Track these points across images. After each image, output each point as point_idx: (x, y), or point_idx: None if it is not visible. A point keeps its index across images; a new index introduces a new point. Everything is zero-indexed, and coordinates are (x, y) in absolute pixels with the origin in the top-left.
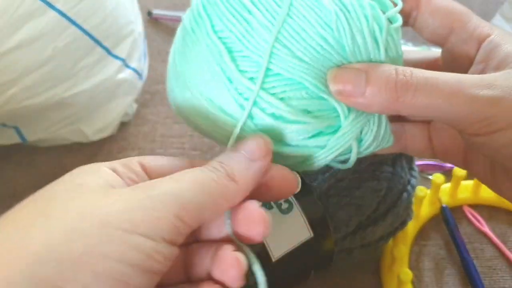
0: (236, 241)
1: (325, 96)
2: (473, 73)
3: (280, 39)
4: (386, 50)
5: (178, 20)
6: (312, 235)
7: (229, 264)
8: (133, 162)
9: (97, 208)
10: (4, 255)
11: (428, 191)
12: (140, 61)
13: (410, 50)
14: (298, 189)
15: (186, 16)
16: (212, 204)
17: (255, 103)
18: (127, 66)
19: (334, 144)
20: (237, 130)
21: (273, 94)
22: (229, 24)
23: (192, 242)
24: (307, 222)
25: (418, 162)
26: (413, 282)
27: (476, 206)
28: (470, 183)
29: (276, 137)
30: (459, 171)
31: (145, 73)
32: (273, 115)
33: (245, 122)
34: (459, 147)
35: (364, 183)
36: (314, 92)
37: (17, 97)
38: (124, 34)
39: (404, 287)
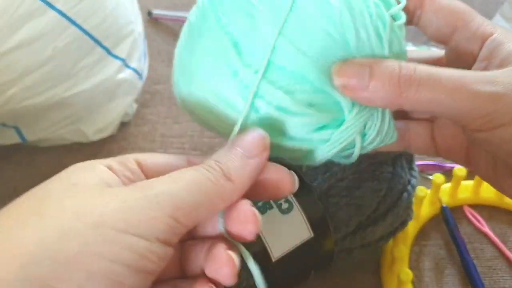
0: (229, 239)
1: (329, 90)
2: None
3: (284, 33)
4: (390, 46)
5: (178, 20)
6: (312, 235)
7: (222, 262)
8: (129, 159)
9: (91, 208)
10: None
11: (428, 191)
12: (140, 61)
13: (412, 50)
14: (296, 188)
15: (192, 12)
16: (208, 204)
17: (260, 96)
18: (127, 66)
19: (337, 137)
20: (239, 122)
21: (277, 87)
22: (234, 19)
23: (188, 238)
24: (307, 222)
25: (418, 162)
26: (413, 282)
27: (476, 206)
28: (470, 183)
29: (281, 130)
30: (459, 171)
31: (145, 73)
32: (277, 108)
33: (249, 116)
34: (462, 145)
35: (364, 183)
36: (319, 86)
37: (17, 97)
38: (124, 34)
39: (404, 287)
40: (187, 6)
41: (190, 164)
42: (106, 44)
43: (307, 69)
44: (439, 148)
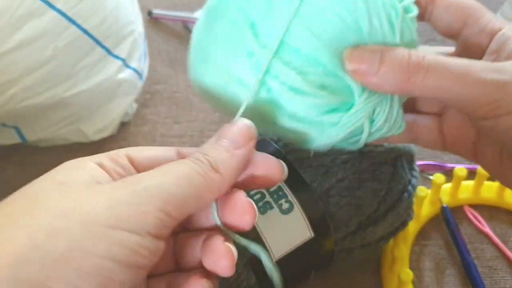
0: (225, 230)
1: (341, 74)
2: None
3: (299, 16)
4: (401, 35)
5: (178, 20)
6: (312, 235)
7: (221, 254)
8: (120, 155)
9: (80, 205)
10: None
11: (429, 191)
12: (140, 61)
13: (422, 47)
14: (285, 176)
15: None
16: (197, 196)
17: (273, 76)
18: (127, 66)
19: (346, 121)
20: (246, 99)
21: (291, 68)
22: (252, 1)
23: (181, 231)
24: (307, 222)
25: (419, 162)
26: (413, 282)
27: (476, 206)
28: (471, 183)
29: (291, 112)
30: (460, 171)
31: (145, 73)
32: (290, 88)
33: (261, 95)
34: (469, 138)
35: (365, 183)
36: (331, 69)
37: (17, 97)
38: (124, 34)
39: (404, 287)
40: (187, 6)
41: (180, 156)
42: (106, 44)
43: (320, 52)
44: (446, 141)
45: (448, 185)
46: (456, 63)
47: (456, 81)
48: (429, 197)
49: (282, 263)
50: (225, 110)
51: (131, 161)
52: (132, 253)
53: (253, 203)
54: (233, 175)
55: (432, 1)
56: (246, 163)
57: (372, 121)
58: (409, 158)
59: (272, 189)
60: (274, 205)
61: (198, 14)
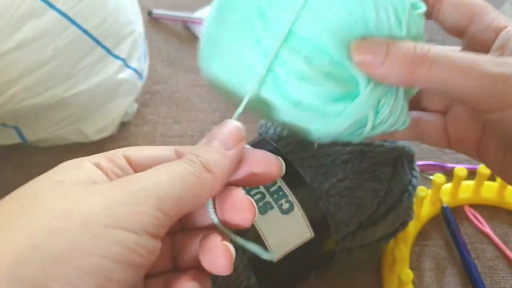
0: (222, 229)
1: (347, 64)
2: None
3: (308, 6)
4: (408, 30)
5: (178, 20)
6: (312, 235)
7: (219, 253)
8: (118, 155)
9: (79, 205)
10: None
11: (429, 191)
12: (140, 61)
13: None
14: (283, 173)
15: None
16: (191, 196)
17: (280, 64)
18: (127, 66)
19: (351, 110)
20: (253, 88)
21: (298, 56)
22: None
23: (179, 230)
24: (307, 222)
25: (419, 162)
26: (414, 283)
27: (477, 206)
28: (471, 183)
29: (297, 100)
30: (460, 171)
31: (145, 73)
32: (296, 75)
33: (269, 84)
34: (474, 135)
35: (365, 183)
36: (337, 59)
37: (17, 97)
38: (124, 34)
39: (404, 287)
40: (187, 6)
41: (178, 154)
42: (106, 44)
43: (328, 42)
44: (450, 139)
45: (448, 185)
46: (461, 56)
47: (461, 74)
48: (429, 197)
49: (283, 263)
50: (234, 99)
51: (129, 161)
52: (130, 252)
53: (253, 200)
54: (225, 175)
55: (440, 0)
56: (238, 163)
57: (377, 113)
58: (409, 158)
59: (272, 189)
60: (274, 205)
61: (198, 14)
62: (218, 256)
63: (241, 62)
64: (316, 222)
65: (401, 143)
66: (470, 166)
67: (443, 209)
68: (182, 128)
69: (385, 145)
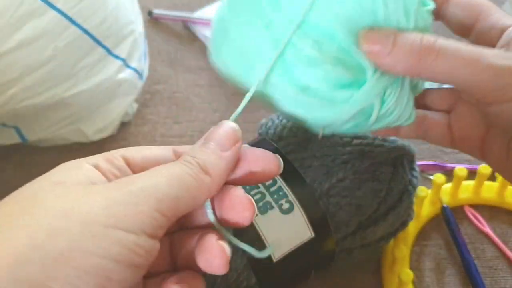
0: (219, 228)
1: (355, 52)
2: None
3: None
4: (415, 22)
5: (178, 20)
6: (312, 235)
7: (214, 253)
8: (116, 156)
9: (78, 205)
10: None
11: (429, 191)
12: (141, 61)
13: None
14: (281, 170)
15: None
16: (189, 197)
17: (290, 46)
18: (128, 66)
19: (358, 98)
20: (264, 73)
21: (308, 40)
22: None
23: (176, 230)
24: (308, 222)
25: (419, 162)
26: (414, 282)
27: (477, 206)
28: (471, 183)
29: (304, 84)
30: (460, 171)
31: (145, 73)
32: (305, 59)
33: (277, 68)
34: (477, 134)
35: (365, 183)
36: (345, 47)
37: (17, 97)
38: (124, 34)
39: (404, 287)
40: (187, 6)
41: (176, 155)
42: (106, 44)
43: (337, 30)
44: (454, 137)
45: (448, 185)
46: (467, 48)
47: (467, 65)
48: (429, 197)
49: (283, 263)
50: (242, 86)
51: (127, 162)
52: (130, 252)
53: (252, 199)
54: (223, 176)
55: (447, 0)
56: (235, 164)
57: (382, 102)
58: (409, 158)
59: (272, 189)
60: (275, 205)
61: (198, 14)
62: (214, 255)
63: (250, 46)
64: (316, 222)
65: (401, 143)
66: (470, 166)
67: (443, 209)
68: (182, 128)
69: (385, 145)
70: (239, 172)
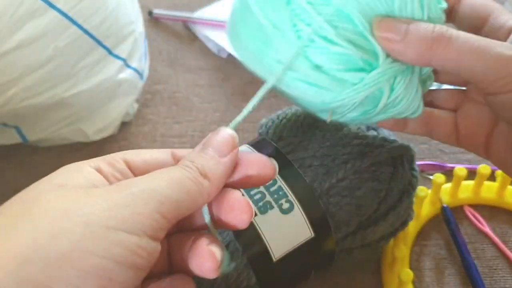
0: (213, 231)
1: (369, 37)
2: None
3: None
4: (429, 14)
5: (178, 20)
6: (312, 235)
7: (204, 257)
8: (117, 159)
9: (80, 207)
10: None
11: (429, 191)
12: (141, 61)
13: None
14: (277, 174)
15: None
16: (189, 200)
17: (307, 24)
18: (128, 66)
19: (368, 81)
20: (288, 61)
21: (325, 19)
22: None
23: (173, 232)
24: (308, 222)
25: (419, 162)
26: (413, 282)
27: (477, 206)
28: (471, 183)
29: (317, 62)
30: (460, 171)
31: (145, 73)
32: (320, 37)
33: (292, 42)
34: (482, 132)
35: (365, 183)
36: (361, 30)
37: (17, 97)
38: (124, 34)
39: (404, 287)
40: (187, 6)
41: (175, 158)
42: (106, 44)
43: (354, 13)
44: (460, 135)
45: (448, 185)
46: (477, 38)
47: (476, 54)
48: (429, 197)
49: (283, 263)
50: (260, 68)
51: (128, 165)
52: (131, 253)
53: (250, 202)
54: (221, 181)
55: (459, 0)
56: (232, 169)
57: (392, 90)
58: (409, 158)
59: (272, 189)
60: (275, 205)
61: (198, 14)
62: (205, 259)
63: (268, 21)
64: (316, 222)
65: (401, 143)
66: (470, 166)
67: (443, 209)
68: (182, 128)
69: (385, 145)
70: (237, 176)
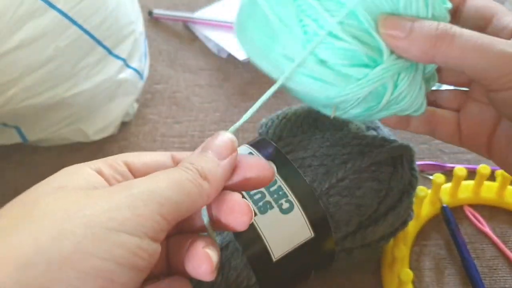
0: (211, 233)
1: (374, 34)
2: None
3: None
4: (433, 13)
5: (178, 20)
6: (312, 235)
7: (200, 260)
8: (118, 162)
9: (81, 209)
10: None
11: (429, 191)
12: (141, 61)
13: None
14: (275, 177)
15: None
16: (189, 202)
17: (314, 19)
18: (128, 66)
19: (372, 76)
20: (297, 61)
21: (330, 14)
22: None
23: (172, 234)
24: (307, 222)
25: (419, 162)
26: (413, 282)
27: (476, 206)
28: (470, 183)
29: (322, 58)
30: (459, 171)
31: (145, 73)
32: (326, 32)
33: (298, 37)
34: (485, 131)
35: (365, 183)
36: (366, 27)
37: (17, 97)
38: (124, 34)
39: (404, 287)
40: (187, 6)
41: (175, 160)
42: (107, 44)
43: (360, 10)
44: (462, 135)
45: (448, 185)
46: (481, 35)
47: (479, 51)
48: (429, 197)
49: (283, 263)
50: (266, 63)
51: (128, 167)
52: (132, 255)
53: (250, 204)
54: (220, 183)
55: (463, 1)
56: (231, 172)
57: (395, 86)
58: (409, 158)
59: (272, 189)
60: (274, 205)
61: (198, 14)
62: (200, 262)
63: (276, 16)
64: (316, 222)
65: (401, 143)
66: (470, 166)
67: (443, 209)
68: (182, 127)
69: (385, 145)
70: (236, 179)
